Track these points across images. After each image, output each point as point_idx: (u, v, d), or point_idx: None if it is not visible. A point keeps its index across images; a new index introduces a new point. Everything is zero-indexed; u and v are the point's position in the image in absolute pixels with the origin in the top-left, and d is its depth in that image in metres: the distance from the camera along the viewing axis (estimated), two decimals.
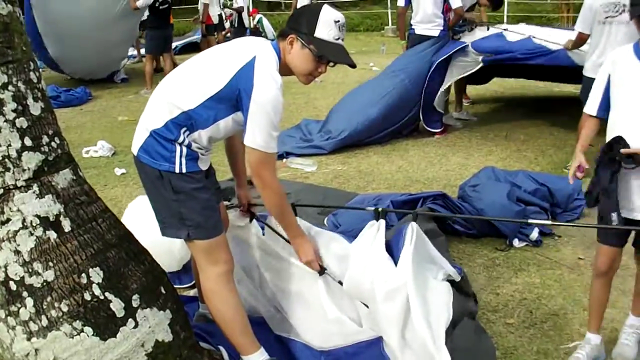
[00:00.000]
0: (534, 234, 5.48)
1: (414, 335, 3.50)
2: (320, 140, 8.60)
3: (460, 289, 4.12)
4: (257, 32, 21.87)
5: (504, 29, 8.77)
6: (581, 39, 7.05)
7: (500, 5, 11.47)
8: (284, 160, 8.02)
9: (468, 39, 8.81)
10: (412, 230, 3.77)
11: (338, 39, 3.33)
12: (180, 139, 3.22)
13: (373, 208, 4.03)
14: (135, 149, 3.35)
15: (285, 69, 3.40)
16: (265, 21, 19.64)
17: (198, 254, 3.46)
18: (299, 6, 13.31)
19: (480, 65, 8.44)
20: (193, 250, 3.52)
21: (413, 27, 9.20)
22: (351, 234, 4.90)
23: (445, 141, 8.86)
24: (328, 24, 3.29)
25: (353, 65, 3.40)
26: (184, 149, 3.24)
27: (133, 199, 5.46)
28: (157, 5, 13.06)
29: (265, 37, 19.25)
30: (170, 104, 3.24)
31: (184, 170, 3.24)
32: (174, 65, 12.94)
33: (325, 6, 3.35)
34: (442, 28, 8.92)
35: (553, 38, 7.90)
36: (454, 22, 9.01)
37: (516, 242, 5.45)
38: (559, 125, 9.07)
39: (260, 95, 3.13)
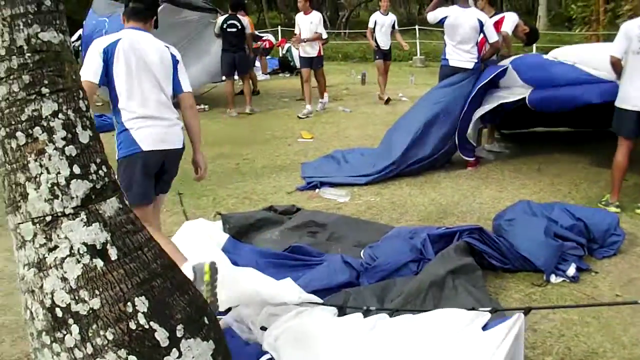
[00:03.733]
0: (571, 270, 5.40)
1: None
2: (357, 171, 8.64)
3: None
4: (285, 60, 21.97)
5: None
6: (611, 63, 7.00)
7: (534, 42, 11.51)
8: (317, 190, 8.04)
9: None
10: (514, 323, 3.55)
11: None
12: None
13: None
14: (180, 143, 4.93)
15: None
16: (293, 50, 19.63)
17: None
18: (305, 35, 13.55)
19: (523, 96, 8.35)
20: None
21: (446, 58, 9.18)
22: (387, 268, 4.90)
23: (477, 173, 8.82)
24: None
25: None
26: None
27: (165, 225, 5.50)
28: (224, 27, 13.66)
29: (295, 65, 19.26)
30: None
31: None
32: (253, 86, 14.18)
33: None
34: (476, 61, 8.92)
35: (599, 65, 7.82)
36: (489, 55, 9.02)
37: (553, 278, 5.36)
38: (591, 159, 9.02)
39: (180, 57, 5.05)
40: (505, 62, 8.77)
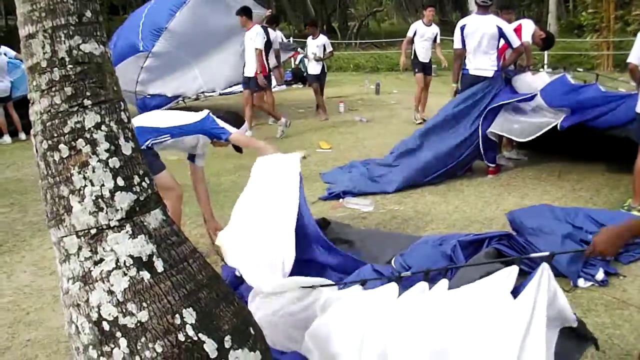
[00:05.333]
0: (600, 274, 5.40)
1: None
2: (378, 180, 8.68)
3: (580, 335, 3.94)
4: (298, 72, 21.94)
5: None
6: (630, 70, 7.02)
7: (550, 47, 11.47)
8: (340, 200, 8.02)
9: (520, 82, 8.81)
10: (542, 272, 3.61)
11: None
12: None
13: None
14: None
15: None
16: (306, 61, 19.54)
17: None
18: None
19: (555, 124, 8.41)
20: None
21: (467, 67, 9.17)
22: (421, 277, 4.87)
23: (498, 181, 8.81)
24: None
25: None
26: None
27: (190, 237, 5.49)
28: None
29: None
30: None
31: None
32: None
33: None
34: (496, 68, 8.91)
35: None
36: (511, 61, 9.00)
37: (582, 283, 5.36)
38: (610, 164, 9.00)
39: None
40: (534, 84, 8.83)
